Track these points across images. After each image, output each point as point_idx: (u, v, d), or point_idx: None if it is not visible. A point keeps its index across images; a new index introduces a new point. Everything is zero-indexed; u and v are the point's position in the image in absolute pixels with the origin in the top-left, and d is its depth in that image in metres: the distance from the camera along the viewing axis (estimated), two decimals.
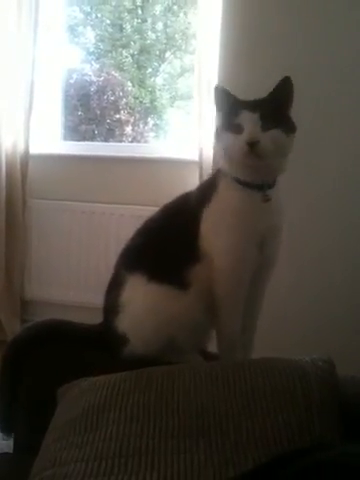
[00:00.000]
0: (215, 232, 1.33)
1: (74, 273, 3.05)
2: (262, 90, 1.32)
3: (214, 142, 1.37)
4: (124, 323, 1.37)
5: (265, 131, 1.25)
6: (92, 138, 3.58)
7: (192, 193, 1.42)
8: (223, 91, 1.34)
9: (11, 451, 1.41)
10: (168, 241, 1.35)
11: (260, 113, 1.25)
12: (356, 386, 1.19)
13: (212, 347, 1.45)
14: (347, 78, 2.53)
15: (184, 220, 1.36)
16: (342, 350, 1.59)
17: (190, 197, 1.40)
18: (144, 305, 1.35)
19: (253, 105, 1.28)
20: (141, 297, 1.36)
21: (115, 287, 1.41)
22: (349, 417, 1.06)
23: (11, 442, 1.41)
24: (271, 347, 1.49)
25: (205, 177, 1.45)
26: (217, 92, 1.34)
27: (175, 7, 3.54)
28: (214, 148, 2.58)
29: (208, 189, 1.37)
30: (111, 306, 1.40)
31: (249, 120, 1.25)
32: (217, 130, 1.34)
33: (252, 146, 1.23)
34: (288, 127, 1.30)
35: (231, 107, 1.30)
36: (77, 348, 1.38)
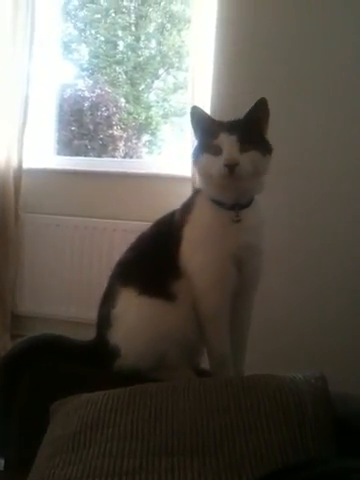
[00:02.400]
0: (191, 251, 1.35)
1: (66, 288, 3.04)
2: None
3: (191, 162, 1.38)
4: (116, 335, 1.38)
5: (243, 153, 1.26)
6: (85, 153, 3.59)
7: (176, 211, 1.43)
8: (200, 112, 1.36)
9: (2, 469, 1.40)
10: (156, 256, 1.37)
11: (238, 135, 1.27)
12: (349, 403, 1.20)
13: (206, 364, 1.45)
14: (340, 94, 2.56)
15: (168, 237, 1.38)
16: (334, 366, 1.60)
17: (175, 215, 1.42)
18: (135, 317, 1.36)
19: (231, 127, 1.29)
20: (132, 309, 1.36)
21: (108, 300, 1.42)
22: (342, 434, 1.07)
23: (1, 460, 1.40)
24: (263, 363, 1.50)
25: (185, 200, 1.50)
26: (194, 113, 1.35)
27: (168, 25, 3.58)
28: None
29: (187, 208, 1.39)
30: (104, 318, 1.41)
31: (227, 142, 1.26)
32: (195, 151, 1.35)
33: (231, 168, 1.24)
34: (265, 148, 1.31)
35: (208, 128, 1.32)
36: (70, 364, 1.38)
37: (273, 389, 1.11)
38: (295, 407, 1.07)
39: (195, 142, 1.38)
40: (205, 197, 1.35)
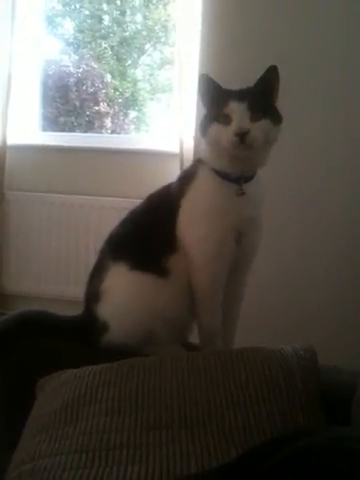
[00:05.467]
0: (190, 223, 1.32)
1: (54, 266, 3.01)
2: (243, 81, 1.30)
3: (198, 132, 1.34)
4: (105, 310, 1.36)
5: (254, 121, 1.23)
6: (71, 130, 3.53)
7: (173, 183, 1.40)
8: (209, 80, 1.31)
9: None
10: (149, 231, 1.35)
11: (248, 103, 1.24)
12: (337, 375, 1.20)
13: (194, 338, 1.44)
14: (330, 66, 2.52)
15: (164, 210, 1.35)
16: (323, 340, 1.60)
17: (171, 187, 1.39)
18: (126, 292, 1.35)
19: (241, 95, 1.26)
20: (123, 284, 1.35)
21: (98, 274, 1.40)
22: (331, 406, 1.06)
23: None
24: (253, 337, 1.49)
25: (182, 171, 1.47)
26: (202, 81, 1.31)
27: None
28: (195, 139, 2.58)
29: (187, 179, 1.36)
30: (93, 293, 1.39)
31: (238, 110, 1.23)
32: (203, 120, 1.31)
33: (242, 137, 1.22)
34: (275, 117, 1.28)
35: (218, 97, 1.28)
36: (55, 339, 1.36)
37: (262, 362, 1.10)
38: (284, 380, 1.07)
39: (203, 112, 1.33)
40: (208, 168, 1.32)
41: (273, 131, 1.27)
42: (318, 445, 0.62)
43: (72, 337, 1.37)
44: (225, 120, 1.24)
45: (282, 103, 1.33)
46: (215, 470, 0.75)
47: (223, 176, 1.30)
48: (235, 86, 1.31)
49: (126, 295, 1.35)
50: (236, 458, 0.76)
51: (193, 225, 1.32)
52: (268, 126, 1.25)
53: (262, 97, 1.27)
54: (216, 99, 1.28)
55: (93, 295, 1.39)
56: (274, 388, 1.05)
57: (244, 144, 1.22)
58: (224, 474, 0.69)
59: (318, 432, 0.73)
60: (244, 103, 1.24)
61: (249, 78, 1.29)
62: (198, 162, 1.38)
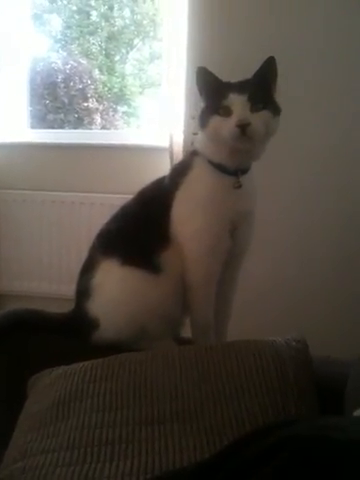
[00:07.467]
0: (186, 216, 1.31)
1: (45, 264, 2.99)
2: (231, 74, 1.29)
3: (197, 125, 1.33)
4: (96, 306, 1.35)
5: (254, 113, 1.23)
6: (60, 127, 3.50)
7: (165, 177, 1.39)
8: (206, 73, 1.30)
9: None
10: (141, 226, 1.33)
11: (248, 95, 1.23)
12: (330, 366, 1.19)
13: (186, 333, 1.43)
14: (320, 60, 2.52)
15: (157, 204, 1.34)
16: (316, 331, 1.59)
17: (164, 181, 1.38)
18: (116, 288, 1.34)
19: (240, 87, 1.26)
20: (114, 280, 1.34)
21: (89, 270, 1.39)
22: (324, 396, 1.06)
23: None
24: (245, 330, 1.49)
25: (175, 163, 1.45)
26: (200, 74, 1.30)
27: None
28: (185, 132, 2.57)
29: (181, 172, 1.35)
30: (84, 289, 1.38)
31: (238, 102, 1.23)
32: (202, 113, 1.30)
33: (243, 128, 1.21)
34: (275, 108, 1.28)
35: (216, 89, 1.27)
36: (46, 337, 1.35)
37: (254, 354, 1.10)
38: (276, 372, 1.07)
39: (202, 104, 1.32)
40: (204, 160, 1.32)
41: (273, 122, 1.27)
42: (300, 434, 0.62)
43: (63, 334, 1.36)
44: (225, 112, 1.24)
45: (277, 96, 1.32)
46: (204, 462, 0.74)
47: (219, 169, 1.30)
48: (224, 79, 1.30)
49: (116, 291, 1.34)
50: (223, 447, 0.75)
51: (189, 218, 1.31)
52: (268, 117, 1.25)
53: (261, 88, 1.27)
54: (215, 91, 1.27)
55: (84, 291, 1.38)
56: (266, 380, 1.05)
57: (245, 136, 1.22)
58: (212, 463, 0.68)
59: (306, 421, 0.72)
60: (244, 95, 1.23)
61: (237, 71, 1.28)
62: (193, 154, 1.36)
